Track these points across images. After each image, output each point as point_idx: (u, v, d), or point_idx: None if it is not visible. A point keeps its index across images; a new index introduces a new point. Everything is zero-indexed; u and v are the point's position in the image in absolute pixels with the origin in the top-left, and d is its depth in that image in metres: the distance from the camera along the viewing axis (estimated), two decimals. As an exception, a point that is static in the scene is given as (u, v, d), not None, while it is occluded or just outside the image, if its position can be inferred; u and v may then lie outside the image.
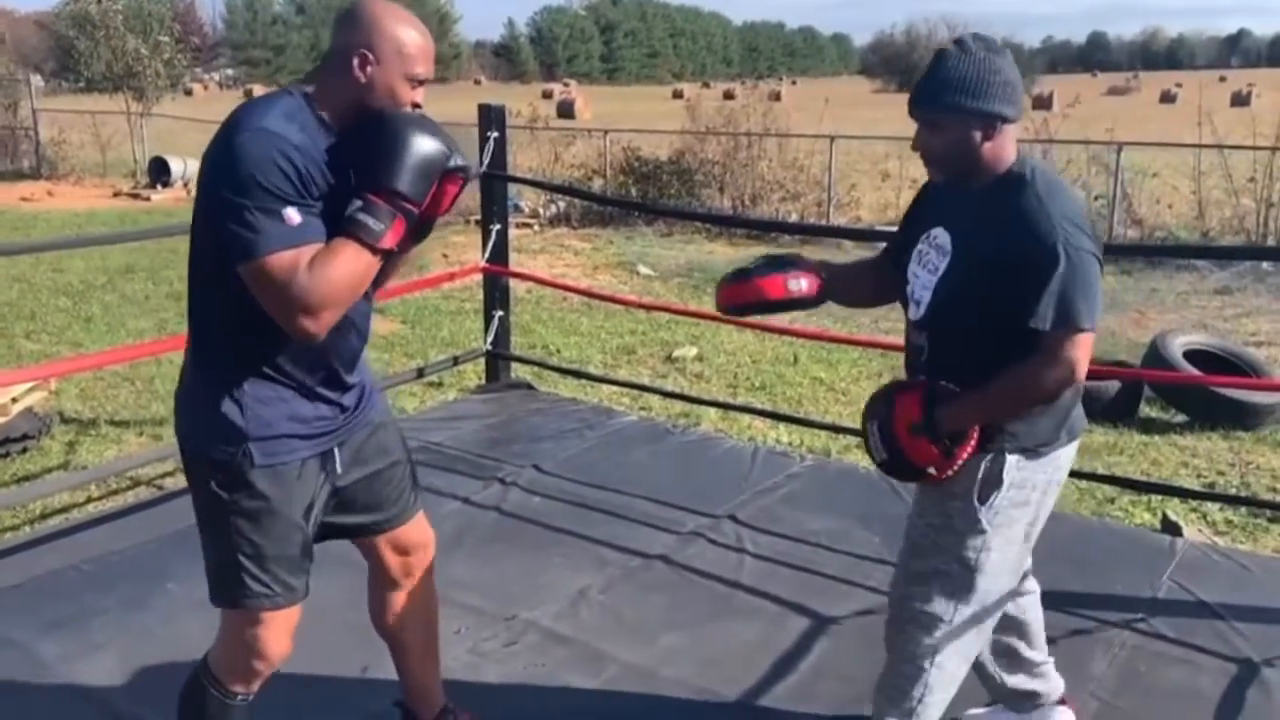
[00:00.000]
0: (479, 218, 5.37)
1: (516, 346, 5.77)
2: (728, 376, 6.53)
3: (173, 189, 15.90)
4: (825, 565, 3.43)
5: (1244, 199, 10.73)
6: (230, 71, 78.35)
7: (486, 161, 4.94)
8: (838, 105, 17.88)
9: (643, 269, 10.04)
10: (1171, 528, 4.08)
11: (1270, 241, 10.32)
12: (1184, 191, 11.26)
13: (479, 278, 5.04)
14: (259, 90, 52.85)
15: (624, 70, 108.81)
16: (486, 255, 5.10)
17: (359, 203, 1.77)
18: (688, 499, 3.91)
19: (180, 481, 4.52)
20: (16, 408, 5.04)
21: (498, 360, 5.36)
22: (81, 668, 2.81)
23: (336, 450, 2.01)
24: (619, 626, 3.07)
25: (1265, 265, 8.95)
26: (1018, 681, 2.43)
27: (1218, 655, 2.92)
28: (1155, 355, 5.81)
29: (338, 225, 1.77)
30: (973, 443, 1.99)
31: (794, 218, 12.18)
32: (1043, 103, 25.19)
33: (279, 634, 1.98)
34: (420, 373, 5.45)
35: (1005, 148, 1.99)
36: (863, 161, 14.32)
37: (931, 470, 2.02)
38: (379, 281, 1.96)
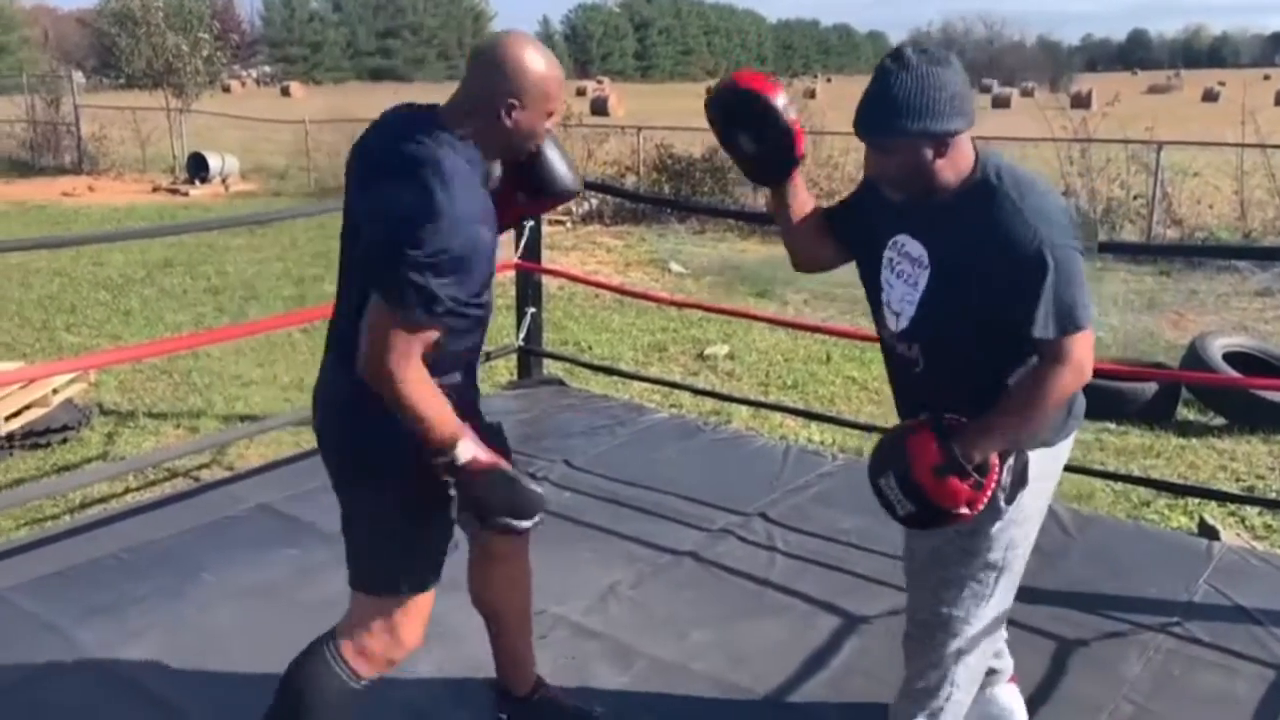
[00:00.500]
0: (512, 214, 5.38)
1: (548, 343, 5.78)
2: (759, 375, 6.52)
3: (210, 185, 16.11)
4: (856, 564, 3.42)
5: (1287, 199, 10.57)
6: (268, 68, 79.06)
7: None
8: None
9: (675, 266, 10.02)
10: (1209, 531, 4.03)
11: (1314, 242, 10.15)
12: (1226, 191, 11.09)
13: (511, 274, 5.05)
14: (296, 88, 53.36)
15: (658, 67, 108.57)
16: (519, 252, 5.12)
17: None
18: (718, 496, 3.91)
19: (216, 473, 4.59)
20: (57, 399, 5.13)
21: (529, 356, 5.38)
22: (119, 654, 2.86)
23: None
24: (648, 622, 3.08)
25: (1308, 267, 8.80)
26: None
27: (1254, 660, 2.88)
28: (1194, 357, 5.74)
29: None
30: (996, 468, 1.93)
31: (827, 216, 12.09)
32: (1081, 101, 24.93)
33: (421, 620, 2.12)
34: (453, 368, 5.46)
35: (961, 158, 1.91)
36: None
37: (964, 510, 1.92)
38: None
